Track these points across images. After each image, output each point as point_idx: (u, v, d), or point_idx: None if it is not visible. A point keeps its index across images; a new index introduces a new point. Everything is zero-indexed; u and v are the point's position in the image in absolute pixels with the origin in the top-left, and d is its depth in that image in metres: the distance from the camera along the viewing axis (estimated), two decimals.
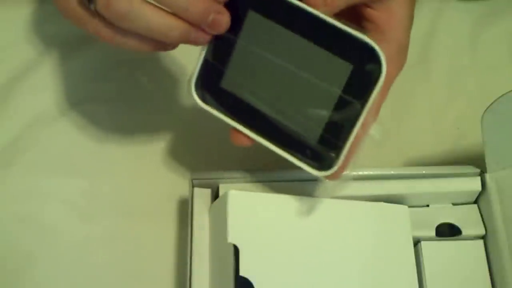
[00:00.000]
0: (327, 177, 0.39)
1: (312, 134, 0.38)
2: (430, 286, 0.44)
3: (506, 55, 0.59)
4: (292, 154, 0.39)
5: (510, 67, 0.58)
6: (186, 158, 0.53)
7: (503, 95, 0.44)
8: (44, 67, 0.55)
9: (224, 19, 0.37)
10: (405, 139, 0.55)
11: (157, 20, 0.36)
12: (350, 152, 0.38)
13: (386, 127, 0.55)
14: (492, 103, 0.44)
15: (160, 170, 0.52)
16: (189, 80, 0.40)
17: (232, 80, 0.39)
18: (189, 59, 0.56)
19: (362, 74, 0.36)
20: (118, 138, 0.53)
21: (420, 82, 0.57)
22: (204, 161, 0.52)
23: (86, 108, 0.54)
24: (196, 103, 0.40)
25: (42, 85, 0.55)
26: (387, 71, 0.36)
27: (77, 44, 0.56)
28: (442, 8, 0.60)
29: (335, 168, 0.38)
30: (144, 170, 0.52)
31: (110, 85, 0.55)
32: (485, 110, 0.44)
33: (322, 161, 0.38)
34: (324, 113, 0.38)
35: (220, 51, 0.39)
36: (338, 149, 0.38)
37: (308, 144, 0.39)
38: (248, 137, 0.40)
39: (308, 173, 0.39)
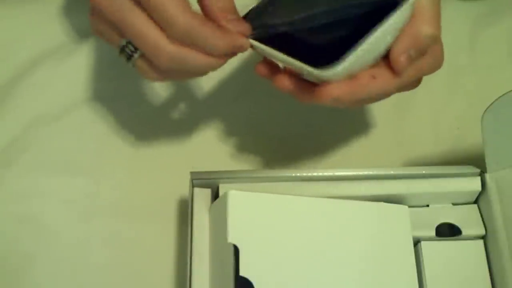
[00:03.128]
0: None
1: None
2: (430, 286, 0.44)
3: (506, 55, 0.59)
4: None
5: (510, 67, 0.58)
6: (186, 158, 0.53)
7: (503, 95, 0.44)
8: (44, 67, 0.55)
9: (244, 42, 0.40)
10: (405, 139, 0.55)
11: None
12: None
13: (386, 127, 0.55)
14: (492, 103, 0.44)
15: (160, 170, 0.52)
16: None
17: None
18: None
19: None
20: (118, 138, 0.53)
21: None
22: (204, 161, 0.52)
23: (86, 108, 0.54)
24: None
25: (42, 85, 0.55)
26: None
27: (77, 44, 0.56)
28: (441, 8, 0.60)
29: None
30: (144, 170, 0.52)
31: (110, 85, 0.55)
32: (485, 110, 0.44)
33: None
34: None
35: None
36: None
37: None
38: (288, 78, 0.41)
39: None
